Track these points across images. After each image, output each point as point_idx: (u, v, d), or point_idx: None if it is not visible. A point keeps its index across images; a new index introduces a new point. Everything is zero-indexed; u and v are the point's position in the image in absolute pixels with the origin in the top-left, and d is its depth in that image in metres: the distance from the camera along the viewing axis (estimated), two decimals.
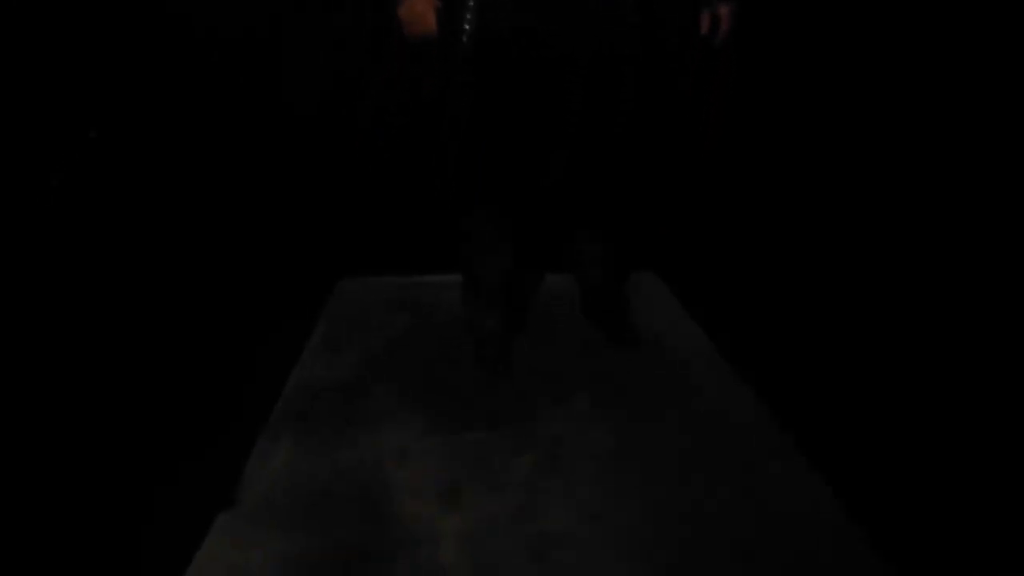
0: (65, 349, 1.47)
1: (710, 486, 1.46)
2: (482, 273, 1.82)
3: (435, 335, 1.97)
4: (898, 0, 1.65)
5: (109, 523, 1.28)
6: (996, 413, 1.41)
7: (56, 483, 1.29)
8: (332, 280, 2.25)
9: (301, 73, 2.08)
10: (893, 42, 1.68)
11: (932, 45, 1.59)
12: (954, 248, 1.60)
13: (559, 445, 1.58)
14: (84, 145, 1.48)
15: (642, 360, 1.86)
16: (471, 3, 1.44)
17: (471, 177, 1.70)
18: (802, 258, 1.95)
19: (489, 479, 1.49)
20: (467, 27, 1.45)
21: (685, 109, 2.10)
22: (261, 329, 1.91)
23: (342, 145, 2.17)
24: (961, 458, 1.37)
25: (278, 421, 1.65)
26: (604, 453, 1.56)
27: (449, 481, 1.48)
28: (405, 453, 1.55)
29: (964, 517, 1.29)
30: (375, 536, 1.35)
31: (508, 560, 1.30)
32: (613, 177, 1.77)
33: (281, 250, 2.19)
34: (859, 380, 1.61)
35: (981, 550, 1.24)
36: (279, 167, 2.14)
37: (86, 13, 1.56)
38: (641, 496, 1.44)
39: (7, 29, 1.39)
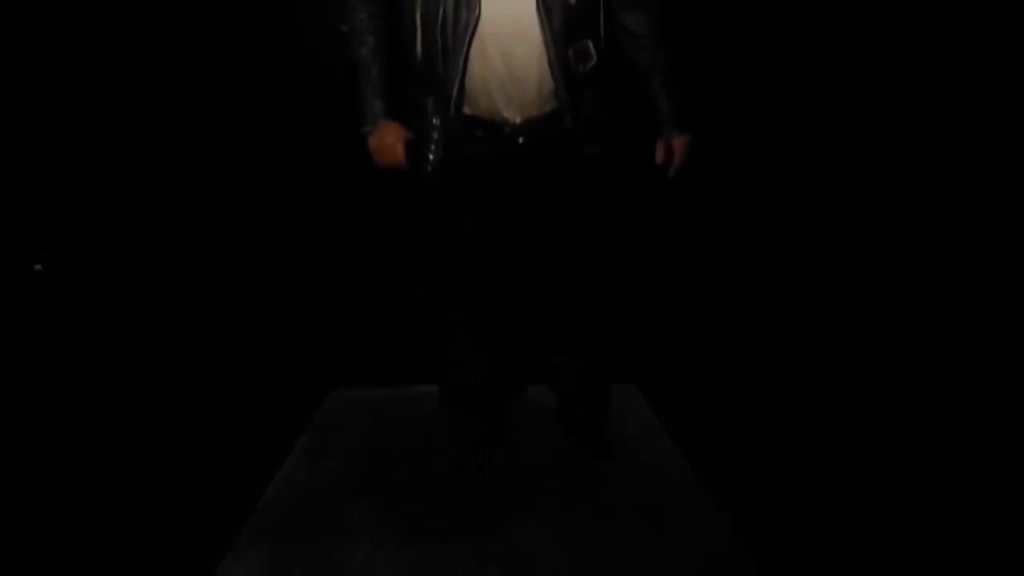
0: (46, 446, 1.52)
1: None
2: (459, 379, 1.87)
3: (415, 447, 2.01)
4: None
5: None
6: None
7: None
8: (323, 391, 2.31)
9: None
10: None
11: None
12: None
13: (528, 559, 1.60)
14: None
15: (616, 475, 1.88)
16: (435, 136, 1.56)
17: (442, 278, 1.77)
18: (783, 385, 1.98)
19: None
20: (431, 156, 1.56)
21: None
22: (246, 439, 1.97)
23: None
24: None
25: (251, 532, 1.68)
26: (572, 567, 1.57)
27: None
28: (374, 567, 1.58)
29: None
30: None
31: None
32: (588, 281, 1.82)
33: (275, 360, 2.26)
34: (832, 514, 1.62)
35: None
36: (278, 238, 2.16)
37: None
38: None
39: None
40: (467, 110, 1.54)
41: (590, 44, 1.51)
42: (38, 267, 1.40)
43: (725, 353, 2.26)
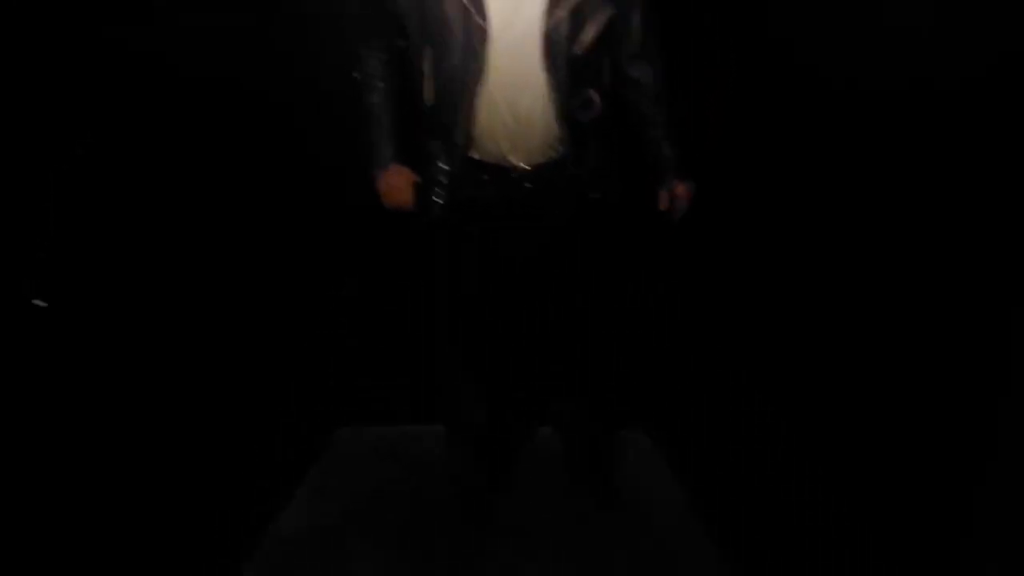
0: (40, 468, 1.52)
1: None
2: (465, 425, 1.87)
3: (422, 488, 2.00)
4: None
5: None
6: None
7: None
8: (330, 429, 2.32)
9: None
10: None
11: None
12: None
13: None
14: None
15: (623, 524, 1.86)
16: (441, 179, 1.59)
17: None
18: (797, 435, 1.95)
19: None
20: (437, 200, 1.59)
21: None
22: (252, 475, 1.98)
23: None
24: None
25: (255, 568, 1.69)
26: None
27: None
28: None
29: None
30: None
31: None
32: (591, 331, 1.83)
33: (282, 396, 2.27)
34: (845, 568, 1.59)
35: None
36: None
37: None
38: None
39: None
40: (474, 155, 1.57)
41: (594, 94, 1.54)
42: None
43: (738, 401, 2.23)
